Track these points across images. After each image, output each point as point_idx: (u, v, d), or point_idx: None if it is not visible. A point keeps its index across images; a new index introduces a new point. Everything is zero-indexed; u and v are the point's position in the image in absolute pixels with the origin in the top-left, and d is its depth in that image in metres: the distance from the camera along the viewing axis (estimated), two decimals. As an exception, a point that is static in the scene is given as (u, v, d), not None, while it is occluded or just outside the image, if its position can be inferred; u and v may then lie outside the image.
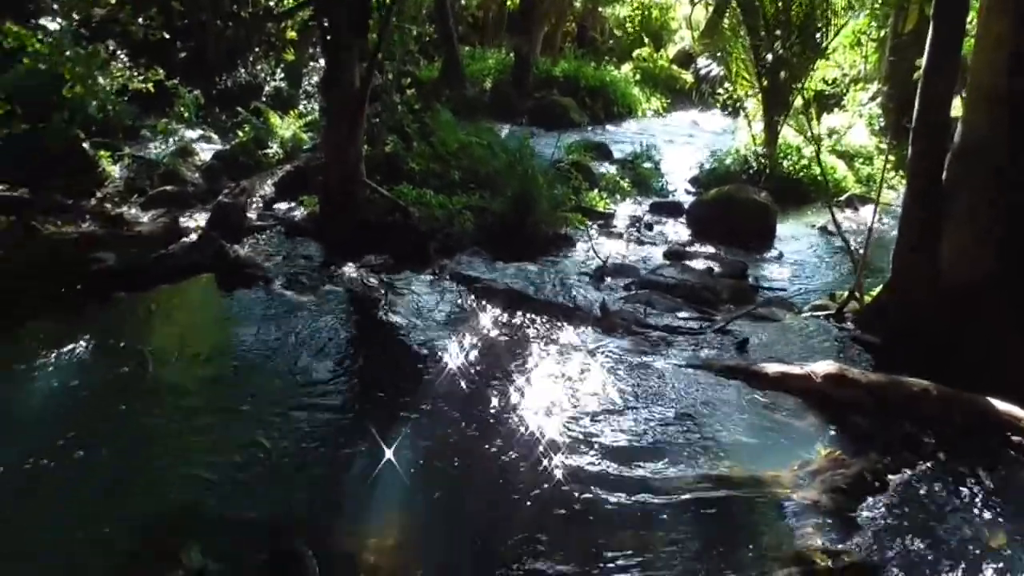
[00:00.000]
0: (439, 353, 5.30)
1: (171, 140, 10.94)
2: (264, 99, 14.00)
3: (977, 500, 3.74)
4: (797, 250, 9.16)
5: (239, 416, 4.39)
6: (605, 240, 8.82)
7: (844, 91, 15.87)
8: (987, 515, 3.64)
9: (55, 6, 7.89)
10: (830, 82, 15.83)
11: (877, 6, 11.97)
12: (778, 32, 11.35)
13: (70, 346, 5.12)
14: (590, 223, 9.17)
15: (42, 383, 4.70)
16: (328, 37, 7.85)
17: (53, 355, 4.99)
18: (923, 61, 5.36)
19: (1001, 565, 3.29)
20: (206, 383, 4.81)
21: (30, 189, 8.57)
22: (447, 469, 4.03)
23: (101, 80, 8.57)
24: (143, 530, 3.48)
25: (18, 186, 8.58)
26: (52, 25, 7.27)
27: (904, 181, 6.44)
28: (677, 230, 9.86)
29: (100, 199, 8.98)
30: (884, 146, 12.35)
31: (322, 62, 16.39)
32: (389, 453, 4.08)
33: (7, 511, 3.55)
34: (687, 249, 8.88)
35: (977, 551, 3.39)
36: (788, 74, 11.47)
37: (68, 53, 7.34)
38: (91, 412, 4.42)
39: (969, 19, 5.92)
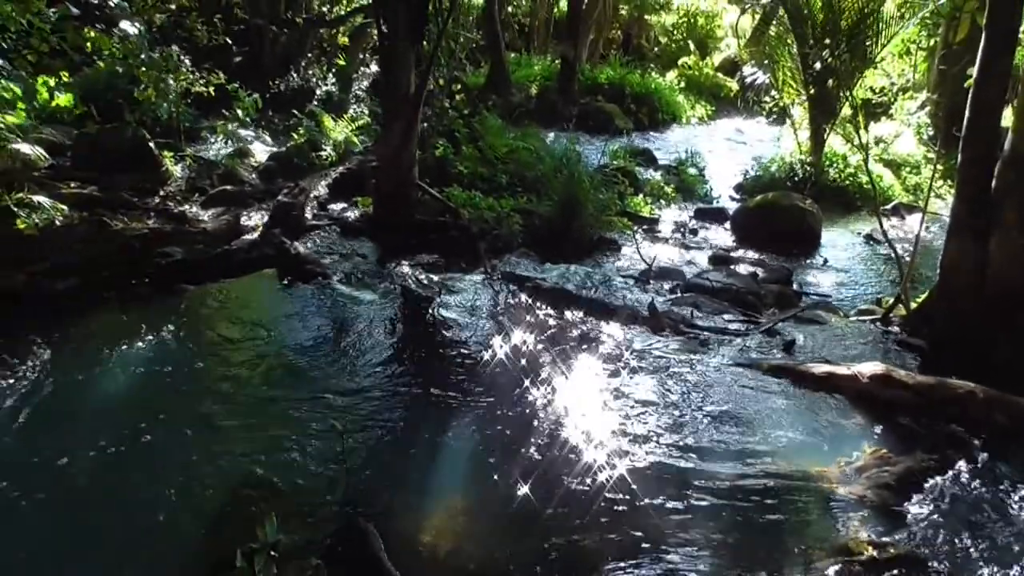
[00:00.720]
0: (493, 347, 5.50)
1: (229, 141, 11.35)
2: (316, 103, 14.42)
3: (1019, 498, 3.81)
4: (842, 257, 9.19)
5: (309, 402, 4.62)
6: (650, 244, 8.96)
7: (892, 100, 15.75)
8: (1031, 513, 3.71)
9: (118, 10, 8.27)
10: (878, 91, 15.73)
11: (928, 15, 11.90)
12: (827, 40, 11.35)
13: (145, 335, 5.41)
14: (635, 227, 9.32)
15: (121, 369, 4.97)
16: (385, 43, 8.14)
17: (130, 343, 5.29)
18: (975, 69, 5.42)
19: (1045, 561, 3.37)
20: (277, 370, 5.05)
21: (99, 187, 8.98)
22: (501, 456, 4.20)
23: (171, 83, 8.98)
24: (221, 506, 3.71)
25: (87, 184, 8.99)
26: (131, 30, 7.66)
27: (952, 190, 6.46)
28: (721, 236, 9.95)
29: (163, 197, 9.36)
30: (932, 155, 12.26)
31: (373, 67, 16.85)
32: (448, 439, 4.31)
33: (91, 489, 3.79)
34: (732, 255, 8.97)
35: (1019, 547, 3.46)
36: (836, 82, 11.46)
37: (143, 57, 7.72)
38: (168, 396, 4.67)
39: (1021, 29, 5.96)
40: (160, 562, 3.38)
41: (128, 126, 9.43)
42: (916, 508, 3.76)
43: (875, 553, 3.39)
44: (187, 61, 10.77)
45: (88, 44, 7.58)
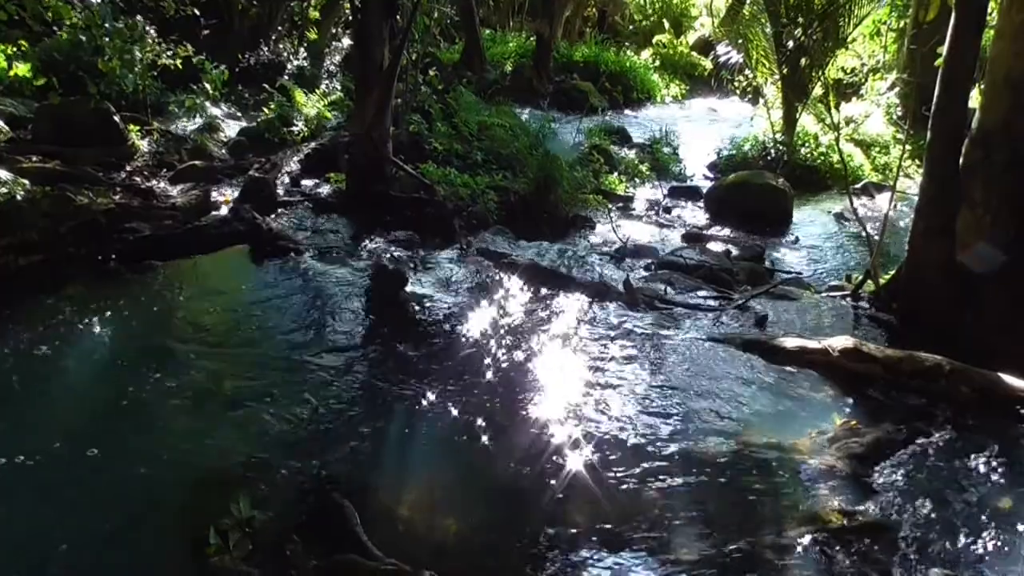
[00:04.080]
0: (468, 323, 5.49)
1: (198, 116, 11.12)
2: (287, 77, 14.17)
3: (985, 467, 3.90)
4: (813, 235, 9.31)
5: (283, 378, 4.58)
6: (624, 222, 8.99)
7: (863, 80, 15.88)
8: (994, 481, 3.80)
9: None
10: (849, 71, 15.86)
11: (899, -4, 12.02)
12: (800, 20, 11.41)
13: (113, 312, 5.33)
14: (610, 205, 9.34)
15: (89, 347, 4.89)
16: (358, 16, 8.01)
17: (98, 320, 5.21)
18: (944, 48, 5.48)
19: (1006, 527, 3.45)
20: (250, 347, 4.99)
21: (62, 161, 8.75)
22: (477, 431, 4.20)
23: (137, 54, 8.74)
24: (195, 482, 3.68)
25: (50, 158, 8.76)
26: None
27: (920, 169, 6.56)
28: (695, 214, 10.01)
29: (130, 172, 9.16)
30: (901, 135, 12.41)
31: (345, 42, 16.59)
32: (424, 414, 4.30)
33: (64, 465, 3.73)
34: (705, 232, 9.05)
35: (984, 514, 3.55)
36: (808, 62, 11.54)
37: (107, 26, 7.49)
38: (138, 375, 4.56)
39: (990, 11, 6.04)
40: (134, 540, 3.34)
41: (92, 99, 9.18)
42: (884, 478, 3.83)
43: (844, 521, 3.46)
44: (153, 32, 10.49)
45: (48, 13, 7.33)
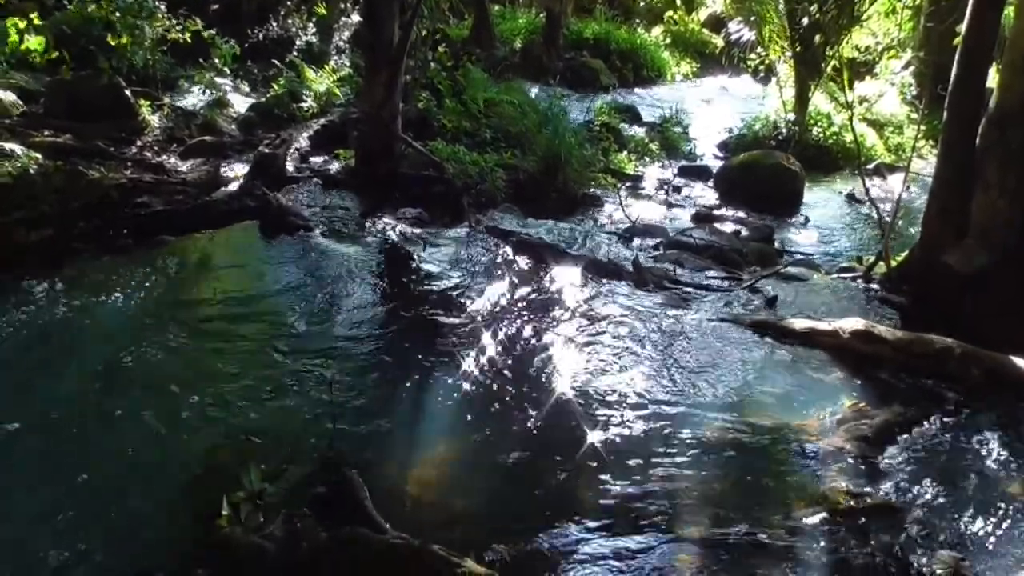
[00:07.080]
0: (477, 300, 5.50)
1: (208, 91, 11.09)
2: (296, 53, 14.08)
3: (994, 450, 3.91)
4: (824, 216, 9.24)
5: (293, 353, 4.61)
6: (634, 201, 8.94)
7: (877, 59, 15.67)
8: (1004, 464, 3.81)
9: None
10: (863, 49, 15.64)
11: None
12: (815, -5, 11.25)
13: (124, 286, 5.34)
14: (619, 184, 9.29)
15: (99, 321, 4.91)
16: (368, -9, 7.94)
17: (109, 295, 5.22)
18: (963, 26, 5.40)
19: (1015, 510, 3.46)
20: (260, 322, 5.02)
21: (73, 135, 8.75)
22: (485, 407, 4.24)
23: (147, 29, 8.70)
24: (206, 455, 3.73)
25: (61, 133, 8.76)
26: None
27: (935, 150, 6.48)
28: (705, 194, 9.94)
29: (141, 147, 9.16)
30: (915, 115, 12.27)
31: (354, 18, 16.44)
32: (433, 390, 4.33)
33: (77, 436, 3.79)
34: (715, 212, 8.98)
35: (993, 497, 3.56)
36: (822, 40, 11.37)
37: (117, 1, 7.44)
38: (150, 349, 4.59)
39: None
40: (146, 512, 3.38)
41: (103, 73, 9.16)
42: (893, 459, 3.85)
43: (853, 502, 3.48)
44: (162, 7, 10.43)
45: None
